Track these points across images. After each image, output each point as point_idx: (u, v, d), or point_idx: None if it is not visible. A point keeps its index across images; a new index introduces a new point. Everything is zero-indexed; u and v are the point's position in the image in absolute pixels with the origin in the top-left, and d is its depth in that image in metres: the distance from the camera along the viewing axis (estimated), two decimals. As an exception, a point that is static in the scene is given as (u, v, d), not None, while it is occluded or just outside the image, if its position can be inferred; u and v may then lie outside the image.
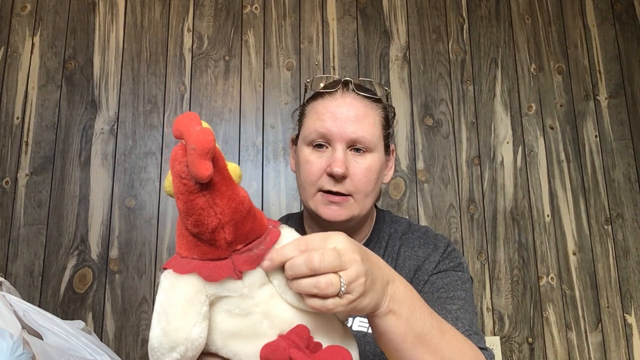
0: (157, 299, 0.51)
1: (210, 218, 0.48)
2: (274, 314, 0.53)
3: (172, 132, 0.50)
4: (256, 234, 0.52)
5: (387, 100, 0.87)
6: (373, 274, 0.53)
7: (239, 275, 0.50)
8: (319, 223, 0.84)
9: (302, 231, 0.90)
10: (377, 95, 0.84)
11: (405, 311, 0.57)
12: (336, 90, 0.81)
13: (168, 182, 0.50)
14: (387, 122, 0.85)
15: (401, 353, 0.58)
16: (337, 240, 0.52)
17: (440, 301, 0.76)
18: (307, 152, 0.81)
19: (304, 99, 0.88)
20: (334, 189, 0.78)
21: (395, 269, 0.79)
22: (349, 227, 0.83)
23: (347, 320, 0.68)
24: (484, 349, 0.71)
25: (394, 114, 0.88)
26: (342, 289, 0.49)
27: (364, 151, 0.80)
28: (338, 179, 0.77)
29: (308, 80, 0.86)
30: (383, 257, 0.84)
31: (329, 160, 0.78)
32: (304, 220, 0.92)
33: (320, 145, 0.80)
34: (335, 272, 0.49)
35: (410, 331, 0.57)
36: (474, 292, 1.70)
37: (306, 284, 0.49)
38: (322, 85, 0.83)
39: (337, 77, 0.85)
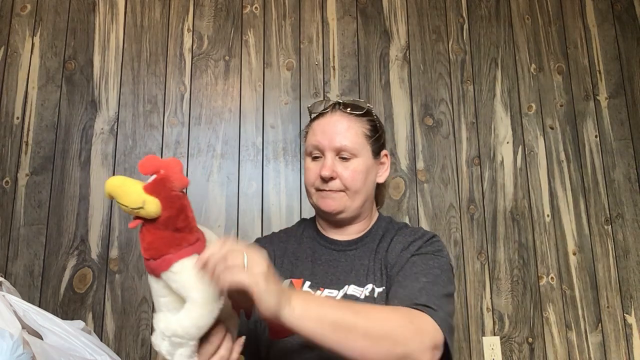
0: (190, 284, 0.66)
1: (189, 211, 0.70)
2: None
3: (142, 172, 0.70)
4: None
5: (373, 115, 1.05)
6: (273, 273, 0.69)
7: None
8: (325, 219, 1.05)
9: (315, 229, 1.09)
10: (361, 111, 1.01)
11: (313, 307, 0.70)
12: (327, 111, 1.02)
13: (154, 205, 0.67)
14: (375, 131, 1.03)
15: (328, 342, 0.69)
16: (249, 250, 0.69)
17: (415, 277, 0.88)
18: (307, 162, 1.03)
19: (309, 120, 1.08)
20: (326, 188, 0.98)
21: (387, 251, 0.98)
22: (347, 218, 1.02)
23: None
24: (432, 308, 0.79)
25: (381, 124, 1.07)
26: (245, 263, 0.64)
27: (349, 158, 0.98)
28: (327, 180, 0.97)
29: (309, 106, 1.06)
30: (379, 243, 1.00)
31: (321, 166, 0.98)
32: (316, 221, 1.10)
33: (318, 157, 1.01)
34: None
35: (325, 319, 0.70)
36: (473, 291, 1.70)
37: (221, 266, 0.65)
38: (319, 108, 1.04)
39: (332, 100, 1.04)
